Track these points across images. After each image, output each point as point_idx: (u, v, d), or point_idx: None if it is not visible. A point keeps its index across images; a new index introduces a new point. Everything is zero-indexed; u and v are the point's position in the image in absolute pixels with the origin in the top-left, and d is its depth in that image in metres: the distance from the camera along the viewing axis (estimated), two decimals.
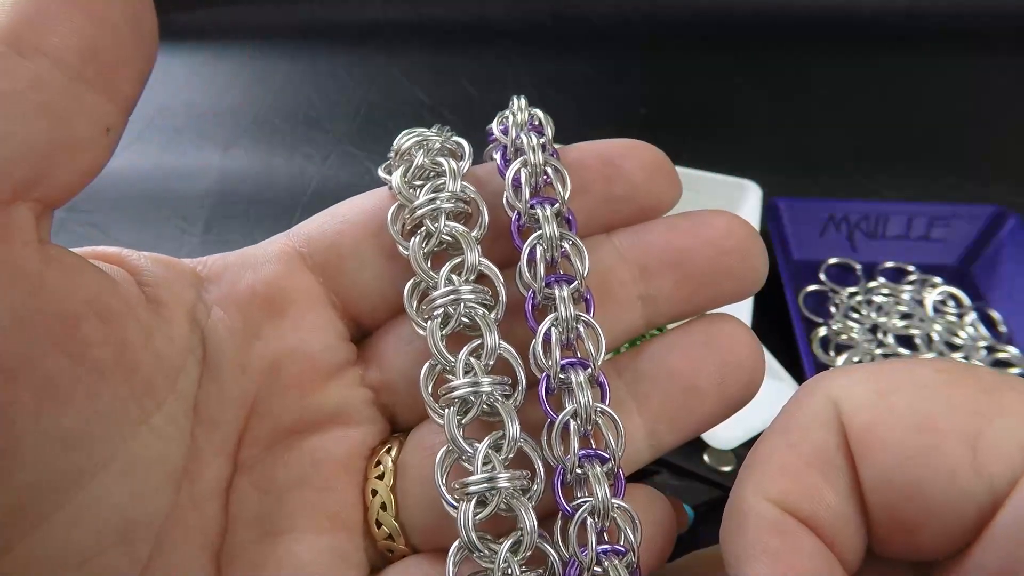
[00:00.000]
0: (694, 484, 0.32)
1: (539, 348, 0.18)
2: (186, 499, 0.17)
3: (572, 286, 0.18)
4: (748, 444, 0.33)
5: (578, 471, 0.17)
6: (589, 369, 0.17)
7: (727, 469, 0.32)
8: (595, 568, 0.16)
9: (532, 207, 0.18)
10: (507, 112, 0.20)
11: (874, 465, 0.14)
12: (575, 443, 0.17)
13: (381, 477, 0.19)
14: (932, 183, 0.50)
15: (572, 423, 0.17)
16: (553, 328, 0.18)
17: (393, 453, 0.19)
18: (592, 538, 0.16)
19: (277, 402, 0.19)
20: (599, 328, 0.18)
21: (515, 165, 0.19)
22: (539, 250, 0.18)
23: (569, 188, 0.19)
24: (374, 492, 0.19)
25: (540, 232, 0.18)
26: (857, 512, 0.14)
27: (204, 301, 0.18)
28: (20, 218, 0.14)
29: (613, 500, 0.17)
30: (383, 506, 0.19)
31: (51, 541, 0.15)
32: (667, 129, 0.54)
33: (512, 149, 0.19)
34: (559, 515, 0.17)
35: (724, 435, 0.33)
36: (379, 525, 0.19)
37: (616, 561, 0.16)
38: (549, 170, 0.19)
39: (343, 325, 0.20)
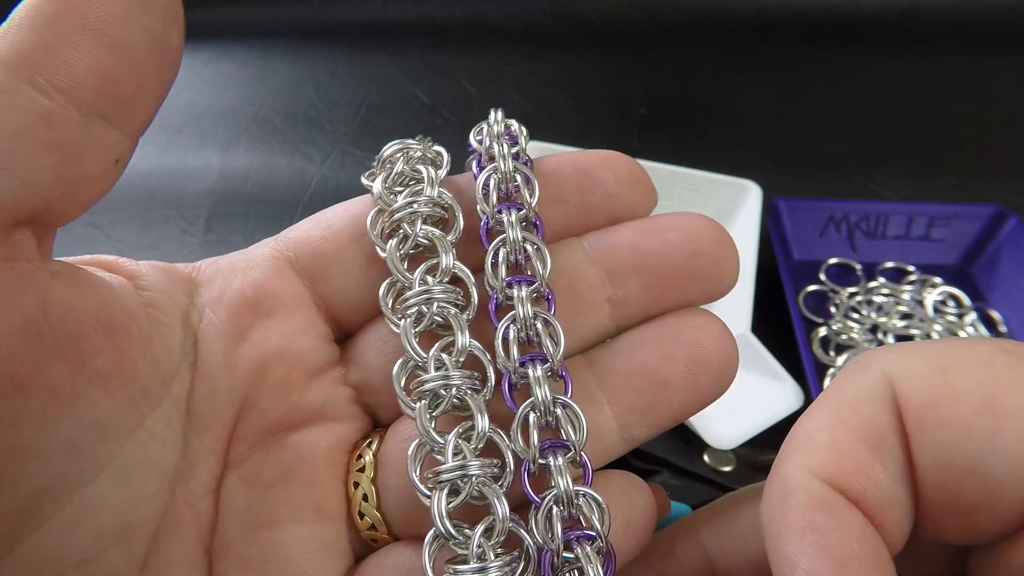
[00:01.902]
0: (694, 484, 0.32)
1: (498, 345, 0.18)
2: (180, 498, 0.17)
3: (532, 287, 0.19)
4: (748, 444, 0.33)
5: (541, 461, 0.18)
6: (548, 364, 0.18)
7: (727, 469, 0.32)
8: (565, 554, 0.17)
9: (499, 212, 0.19)
10: (484, 124, 0.21)
11: (932, 444, 0.13)
12: (535, 435, 0.18)
13: (363, 470, 0.19)
14: (932, 183, 0.50)
15: (532, 415, 0.18)
16: (511, 326, 0.18)
17: (374, 447, 0.20)
18: (558, 526, 0.17)
19: (264, 401, 0.19)
20: (557, 324, 0.18)
21: (485, 171, 0.20)
22: (502, 252, 0.19)
23: (537, 194, 0.19)
24: (356, 484, 0.19)
25: (504, 235, 0.19)
26: (908, 493, 0.14)
27: (197, 305, 0.19)
28: (23, 238, 0.15)
29: (577, 488, 0.17)
30: (365, 498, 0.19)
31: (51, 543, 0.15)
32: (667, 129, 0.54)
33: (486, 157, 0.20)
34: (531, 505, 0.18)
35: (724, 435, 0.33)
36: (362, 516, 0.19)
37: (587, 547, 0.17)
38: (519, 177, 0.19)
39: (327, 327, 0.20)
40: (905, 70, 0.58)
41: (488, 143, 0.20)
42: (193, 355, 0.18)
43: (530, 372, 0.18)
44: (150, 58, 0.15)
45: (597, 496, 0.17)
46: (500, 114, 0.21)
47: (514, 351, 0.18)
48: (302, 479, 0.19)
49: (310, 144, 0.53)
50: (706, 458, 0.32)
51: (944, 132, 0.54)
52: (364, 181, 0.21)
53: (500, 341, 0.18)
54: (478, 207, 0.20)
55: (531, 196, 0.19)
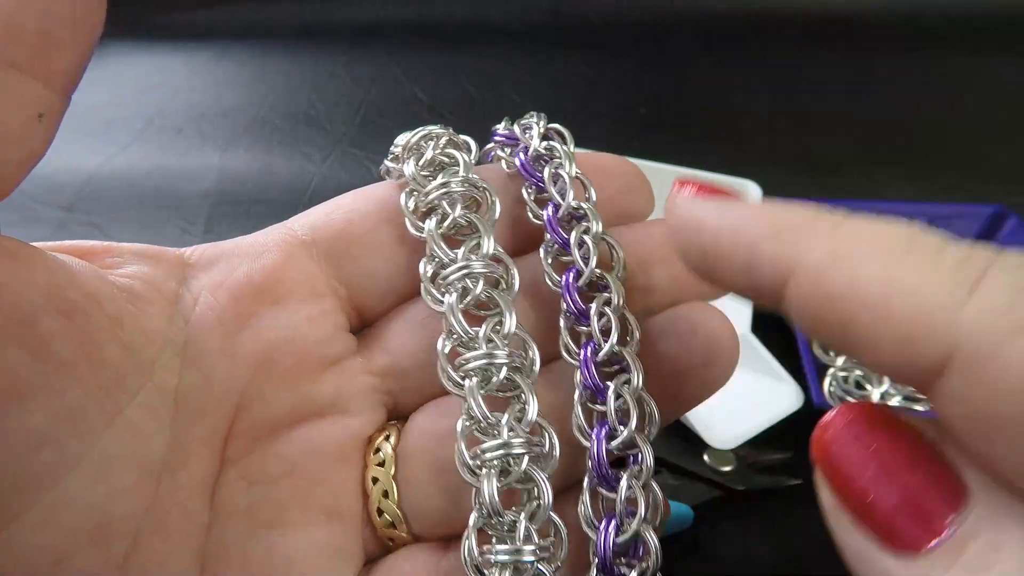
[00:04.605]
0: (694, 484, 0.32)
1: (594, 321, 0.18)
2: (166, 494, 0.17)
3: (619, 274, 0.19)
4: (748, 444, 0.33)
5: (621, 441, 0.18)
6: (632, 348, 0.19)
7: (727, 469, 0.32)
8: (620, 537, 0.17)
9: (578, 206, 0.20)
10: (526, 120, 0.21)
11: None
12: (634, 414, 0.18)
13: (382, 464, 0.19)
14: (932, 183, 0.50)
15: (626, 393, 0.18)
16: (607, 308, 0.19)
17: (392, 440, 0.19)
18: (641, 503, 0.17)
19: (268, 392, 0.18)
20: (631, 317, 0.19)
21: (550, 167, 0.20)
22: (589, 240, 0.19)
23: (594, 194, 0.20)
24: (375, 480, 0.19)
25: (587, 224, 0.19)
26: None
27: (191, 289, 0.18)
28: None
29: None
30: (385, 493, 0.18)
31: (20, 542, 0.14)
32: (667, 129, 0.54)
33: (531, 157, 0.21)
34: (585, 488, 0.18)
35: (724, 435, 0.33)
36: (380, 513, 0.18)
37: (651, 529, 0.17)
38: (581, 178, 0.20)
39: (344, 315, 0.20)
40: (905, 70, 0.58)
41: (536, 141, 0.21)
42: (182, 340, 0.17)
43: (626, 354, 0.18)
44: (62, 5, 0.14)
45: (656, 488, 0.17)
46: (544, 118, 0.21)
47: (614, 336, 0.18)
48: (310, 475, 0.18)
49: (310, 144, 0.53)
50: (706, 458, 0.32)
51: (944, 132, 0.54)
52: (388, 164, 0.20)
53: (596, 317, 0.19)
54: (540, 194, 0.20)
55: (592, 192, 0.20)
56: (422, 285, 0.19)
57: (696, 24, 0.61)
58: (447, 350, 0.18)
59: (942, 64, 0.58)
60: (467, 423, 0.17)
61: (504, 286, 0.19)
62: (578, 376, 0.18)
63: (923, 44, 0.60)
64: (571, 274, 0.19)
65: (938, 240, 0.13)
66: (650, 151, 0.45)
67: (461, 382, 0.18)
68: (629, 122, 0.55)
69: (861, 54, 0.59)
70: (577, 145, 0.21)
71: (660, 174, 0.43)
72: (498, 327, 0.18)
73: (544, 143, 0.20)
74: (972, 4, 0.60)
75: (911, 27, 0.60)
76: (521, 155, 0.20)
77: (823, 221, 0.13)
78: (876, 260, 0.12)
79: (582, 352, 0.18)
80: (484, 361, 0.17)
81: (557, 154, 0.20)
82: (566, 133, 0.21)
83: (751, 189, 0.43)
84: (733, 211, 0.14)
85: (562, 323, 0.19)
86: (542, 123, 0.21)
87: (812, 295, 0.12)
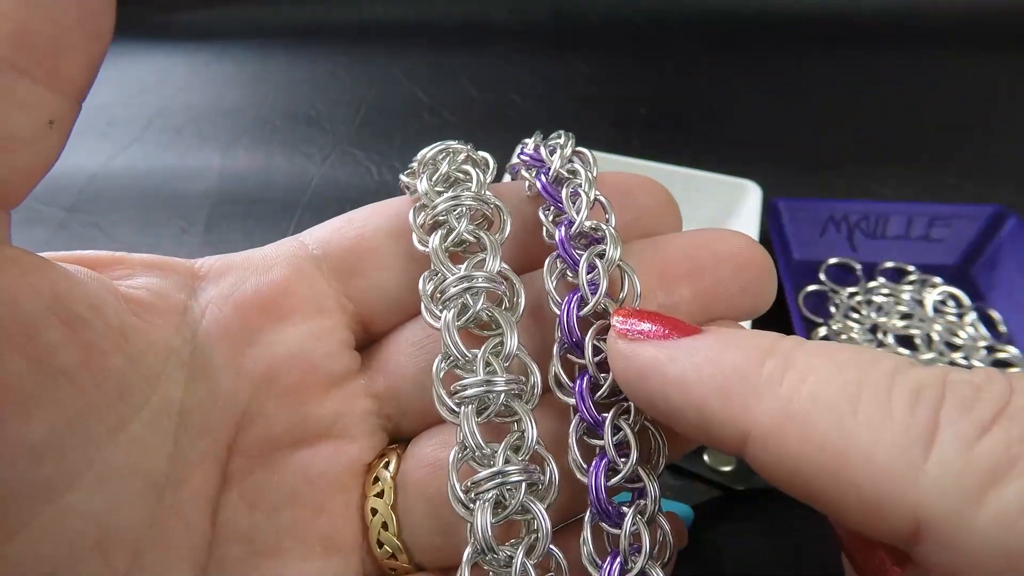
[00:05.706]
0: (694, 484, 0.32)
1: (589, 353, 0.17)
2: (169, 508, 0.16)
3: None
4: None
5: (630, 484, 0.17)
6: None
7: (727, 469, 0.32)
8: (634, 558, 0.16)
9: (594, 227, 0.18)
10: (552, 141, 0.20)
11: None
12: (635, 445, 0.17)
13: (380, 495, 0.18)
14: (932, 183, 0.50)
15: (625, 425, 0.17)
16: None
17: (391, 468, 0.19)
18: (646, 539, 0.16)
19: (270, 409, 0.18)
20: None
21: (568, 187, 0.19)
22: (600, 266, 0.18)
23: (614, 218, 0.19)
24: (374, 511, 0.18)
25: (604, 249, 0.18)
26: None
27: (199, 302, 0.18)
28: None
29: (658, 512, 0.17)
30: (384, 525, 0.18)
31: (20, 555, 0.14)
32: (667, 129, 0.54)
33: (552, 177, 0.19)
34: (586, 523, 0.17)
35: None
36: (380, 544, 0.18)
37: (657, 566, 0.16)
38: (600, 199, 0.19)
39: (349, 333, 0.19)
40: (905, 70, 0.58)
41: (558, 164, 0.19)
42: (188, 353, 0.17)
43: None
44: (71, 11, 0.14)
45: (664, 523, 0.17)
46: (572, 139, 0.20)
47: (590, 360, 0.17)
48: (309, 505, 0.18)
49: (310, 144, 0.53)
50: (706, 458, 0.32)
51: (944, 132, 0.54)
52: (404, 179, 0.20)
53: (590, 348, 0.17)
54: (546, 216, 0.19)
55: (612, 215, 0.19)
56: (421, 302, 0.18)
57: (696, 24, 0.61)
58: (443, 373, 0.17)
59: (942, 64, 0.58)
60: (461, 454, 0.17)
61: (508, 305, 0.18)
62: (573, 410, 0.17)
63: (923, 44, 0.60)
64: (574, 299, 0.17)
65: (888, 371, 0.13)
66: (650, 151, 0.45)
67: (456, 409, 0.17)
68: (629, 122, 0.55)
69: (861, 54, 0.59)
70: (577, 144, 0.21)
71: (660, 174, 0.43)
72: (498, 348, 0.17)
73: (568, 166, 0.19)
74: (972, 4, 0.60)
75: (911, 27, 0.60)
76: (542, 176, 0.19)
77: (771, 365, 0.13)
78: (828, 416, 0.12)
79: (577, 383, 0.17)
80: (482, 388, 0.16)
81: (579, 177, 0.19)
82: (591, 157, 0.20)
83: (751, 189, 0.43)
84: (677, 362, 0.14)
85: (555, 350, 0.17)
86: (569, 145, 0.20)
87: (771, 459, 0.13)
